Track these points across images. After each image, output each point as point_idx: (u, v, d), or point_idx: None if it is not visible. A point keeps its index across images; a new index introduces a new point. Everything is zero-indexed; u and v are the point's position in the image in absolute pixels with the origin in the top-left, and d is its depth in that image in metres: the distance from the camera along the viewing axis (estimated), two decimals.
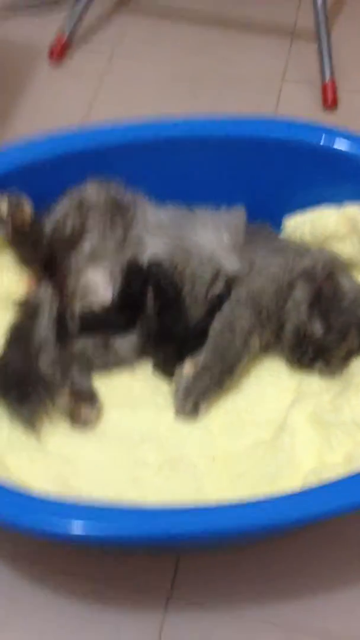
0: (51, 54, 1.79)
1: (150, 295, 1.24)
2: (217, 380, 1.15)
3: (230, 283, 1.23)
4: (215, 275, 1.25)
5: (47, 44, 1.80)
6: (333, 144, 1.29)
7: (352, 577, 1.11)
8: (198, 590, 1.09)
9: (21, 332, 1.19)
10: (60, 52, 1.79)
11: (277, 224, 1.36)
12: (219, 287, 1.24)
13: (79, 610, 1.07)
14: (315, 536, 1.13)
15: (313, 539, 1.13)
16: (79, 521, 0.93)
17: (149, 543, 1.00)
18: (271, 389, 1.19)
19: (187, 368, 1.16)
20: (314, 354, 1.17)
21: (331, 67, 1.71)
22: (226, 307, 1.19)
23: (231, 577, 1.10)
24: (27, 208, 1.23)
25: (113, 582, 1.09)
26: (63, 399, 1.13)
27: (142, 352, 1.22)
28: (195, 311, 1.24)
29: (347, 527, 1.14)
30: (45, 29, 1.84)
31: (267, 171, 1.33)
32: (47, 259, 1.26)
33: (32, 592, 1.08)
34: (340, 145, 1.29)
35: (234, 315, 1.18)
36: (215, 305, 1.22)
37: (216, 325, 1.18)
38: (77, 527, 0.92)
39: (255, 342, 1.18)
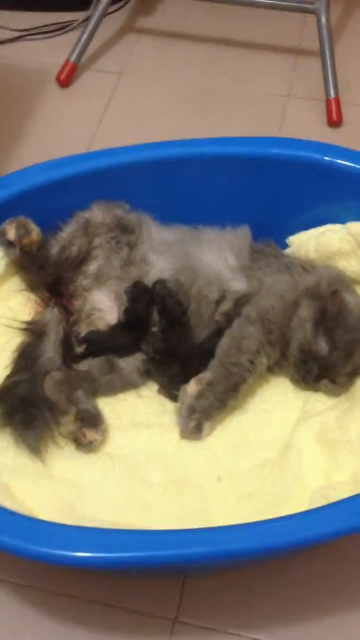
0: (58, 77, 1.81)
1: (155, 314, 1.25)
2: (221, 398, 1.14)
3: (239, 303, 1.23)
4: (222, 296, 1.25)
5: (57, 67, 1.81)
6: (337, 162, 1.29)
7: None
8: (204, 613, 1.08)
9: (27, 354, 1.20)
10: (67, 75, 1.80)
11: (282, 242, 1.36)
12: (226, 307, 1.25)
13: (85, 636, 1.06)
14: (326, 557, 1.12)
15: (324, 560, 1.12)
16: (84, 547, 0.93)
17: (154, 567, 1.00)
18: (277, 407, 1.19)
19: (192, 386, 1.16)
20: (319, 372, 1.17)
21: (336, 84, 1.71)
22: (235, 325, 1.19)
23: (238, 600, 1.09)
24: (34, 232, 1.24)
25: (119, 606, 1.08)
26: (68, 421, 1.13)
27: (147, 373, 1.22)
28: (200, 330, 1.24)
29: (359, 547, 1.13)
30: (55, 51, 1.86)
31: (271, 189, 1.33)
32: (54, 280, 1.26)
33: (37, 618, 1.08)
34: (344, 163, 1.29)
35: (243, 334, 1.18)
36: (223, 324, 1.22)
37: (224, 343, 1.18)
38: (81, 553, 0.93)
39: (262, 361, 1.17)
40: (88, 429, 1.13)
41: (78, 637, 1.06)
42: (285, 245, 1.36)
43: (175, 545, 0.94)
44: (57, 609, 1.09)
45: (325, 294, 1.19)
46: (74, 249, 1.27)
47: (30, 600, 1.10)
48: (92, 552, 0.93)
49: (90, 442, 1.12)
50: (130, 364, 1.22)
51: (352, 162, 1.28)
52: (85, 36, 1.81)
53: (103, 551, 0.93)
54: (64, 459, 1.12)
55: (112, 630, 1.07)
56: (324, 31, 1.70)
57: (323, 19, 1.70)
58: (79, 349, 1.23)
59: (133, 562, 0.95)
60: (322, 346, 1.16)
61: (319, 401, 1.18)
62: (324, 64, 1.71)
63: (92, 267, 1.29)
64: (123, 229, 1.30)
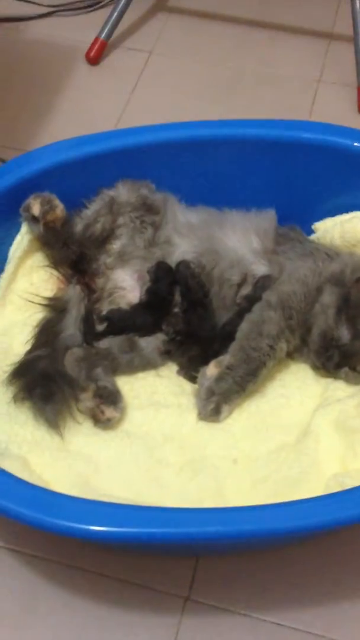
0: (88, 54, 1.80)
1: (177, 295, 1.25)
2: (240, 382, 1.14)
3: (260, 286, 1.23)
4: (244, 279, 1.25)
5: (87, 44, 1.81)
6: None
7: None
8: (216, 593, 1.09)
9: (49, 330, 1.20)
10: (97, 52, 1.80)
11: (308, 228, 1.35)
12: (248, 290, 1.24)
13: (96, 610, 1.07)
14: (340, 543, 1.13)
15: (336, 545, 1.12)
16: (100, 521, 0.94)
17: (168, 544, 1.00)
18: (296, 393, 1.19)
19: (211, 369, 1.16)
20: (339, 359, 1.16)
21: None
22: (256, 310, 1.19)
23: (250, 580, 1.10)
24: (59, 208, 1.24)
25: (131, 582, 1.09)
26: (87, 398, 1.13)
27: (167, 354, 1.22)
28: (222, 313, 1.24)
29: None
30: (85, 29, 1.85)
31: (298, 174, 1.33)
32: (77, 257, 1.27)
33: (50, 590, 1.09)
34: None
35: (263, 319, 1.17)
36: (244, 308, 1.22)
37: (244, 327, 1.18)
38: (98, 527, 0.93)
39: (282, 346, 1.17)
40: (106, 406, 1.13)
41: (91, 611, 1.07)
42: (311, 231, 1.35)
43: (191, 523, 0.95)
44: (70, 582, 1.09)
45: (349, 282, 1.19)
46: (98, 226, 1.27)
47: (44, 572, 1.11)
48: (109, 526, 0.93)
49: (108, 419, 1.13)
50: (150, 343, 1.22)
51: None
52: (115, 14, 1.80)
53: (119, 525, 0.94)
54: (81, 435, 1.12)
55: (124, 605, 1.08)
56: (358, 16, 1.68)
57: (357, 4, 1.68)
58: (100, 327, 1.24)
59: (148, 537, 0.95)
60: (344, 333, 1.16)
61: (339, 389, 1.17)
62: (356, 50, 1.69)
63: (116, 245, 1.28)
64: (148, 208, 1.30)
